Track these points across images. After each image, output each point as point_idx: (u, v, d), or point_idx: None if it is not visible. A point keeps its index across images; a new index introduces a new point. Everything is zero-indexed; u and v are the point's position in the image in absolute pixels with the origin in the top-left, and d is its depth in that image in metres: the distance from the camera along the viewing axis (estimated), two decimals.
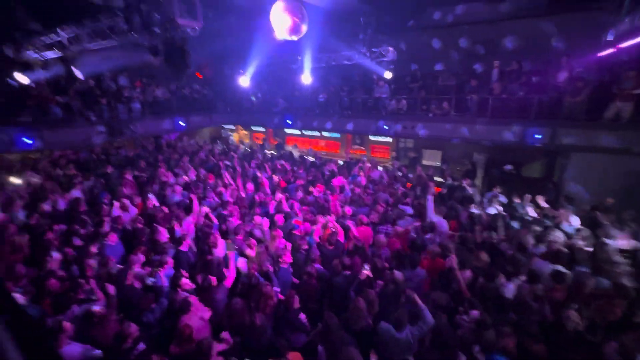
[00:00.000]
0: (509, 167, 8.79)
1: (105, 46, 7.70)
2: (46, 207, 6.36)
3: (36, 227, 5.55)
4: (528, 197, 6.05)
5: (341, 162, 10.27)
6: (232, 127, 17.29)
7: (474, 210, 5.51)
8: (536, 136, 7.21)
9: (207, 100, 14.40)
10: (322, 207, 6.15)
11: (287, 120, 13.07)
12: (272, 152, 13.87)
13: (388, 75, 10.96)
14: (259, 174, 8.10)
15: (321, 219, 5.13)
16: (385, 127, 10.64)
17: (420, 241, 4.62)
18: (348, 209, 5.89)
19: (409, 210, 5.66)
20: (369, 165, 9.02)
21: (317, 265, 4.14)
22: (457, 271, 3.58)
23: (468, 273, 3.64)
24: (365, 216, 5.45)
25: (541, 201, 5.82)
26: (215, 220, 5.54)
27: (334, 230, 4.99)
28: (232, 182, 7.59)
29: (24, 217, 6.07)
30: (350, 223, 5.23)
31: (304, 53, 11.58)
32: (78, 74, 8.28)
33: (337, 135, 13.91)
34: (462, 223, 5.06)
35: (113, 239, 4.91)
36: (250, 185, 7.23)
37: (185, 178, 8.21)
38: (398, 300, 3.35)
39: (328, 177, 8.28)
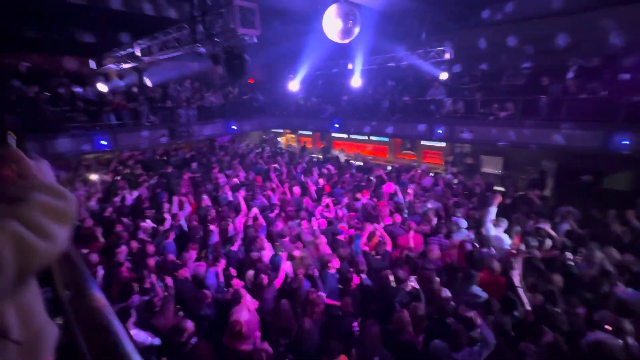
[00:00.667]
0: (587, 177, 7.91)
1: (172, 56, 8.50)
2: (117, 201, 7.16)
3: (108, 219, 6.29)
4: (612, 212, 5.42)
5: (389, 168, 10.11)
6: (280, 130, 17.90)
7: (544, 225, 5.02)
8: (623, 142, 6.56)
9: (257, 105, 15.15)
10: (369, 214, 6.06)
11: (335, 124, 13.27)
12: (318, 155, 14.08)
13: (444, 76, 10.48)
14: (304, 179, 8.29)
15: (368, 227, 5.03)
16: (439, 130, 10.29)
17: (478, 255, 4.28)
18: (398, 217, 5.69)
19: (463, 223, 5.32)
20: (420, 171, 8.77)
21: (363, 276, 4.04)
22: (521, 290, 3.27)
23: (539, 297, 3.28)
24: (416, 223, 5.29)
25: (631, 217, 5.16)
26: (263, 222, 5.76)
27: (381, 239, 4.88)
28: (280, 185, 7.82)
29: (98, 209, 6.92)
30: (399, 231, 5.11)
31: (354, 55, 11.59)
32: (148, 82, 9.21)
33: (385, 139, 13.75)
34: (529, 240, 4.64)
35: (171, 236, 5.24)
36: (297, 189, 7.32)
37: (236, 180, 8.54)
38: (444, 318, 3.17)
39: (376, 183, 8.20)
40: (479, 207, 6.11)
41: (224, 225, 5.59)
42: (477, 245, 4.60)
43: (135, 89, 11.57)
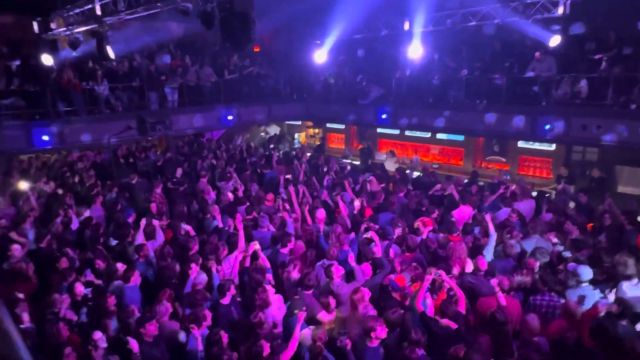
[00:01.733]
0: None
1: (145, 14, 8.90)
2: (58, 223, 7.47)
3: (46, 251, 6.55)
4: None
5: (466, 181, 10.12)
6: (297, 123, 18.22)
7: None
8: None
9: (266, 85, 15.57)
10: (434, 255, 6.01)
11: (382, 114, 13.30)
12: (354, 162, 14.15)
13: (554, 41, 10.25)
14: (333, 197, 8.24)
15: (431, 275, 4.92)
16: (547, 126, 10.16)
17: (614, 330, 4.03)
18: (481, 261, 5.55)
19: (586, 273, 5.09)
20: (515, 188, 8.64)
21: (421, 352, 4.00)
22: None
23: None
24: (508, 277, 5.07)
25: None
26: (267, 262, 5.79)
27: (452, 294, 4.89)
28: (297, 207, 7.85)
29: (33, 237, 7.24)
30: (482, 286, 4.97)
31: (413, 10, 11.59)
32: (110, 52, 9.70)
33: (459, 137, 13.84)
34: None
35: (134, 279, 5.38)
36: (321, 212, 7.36)
37: (230, 195, 8.77)
38: None
39: (446, 206, 8.09)
40: (611, 248, 5.95)
41: (209, 265, 5.68)
42: (613, 313, 4.40)
43: (91, 63, 12.23)
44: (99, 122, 11.53)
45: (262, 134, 18.13)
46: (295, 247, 6.29)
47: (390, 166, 12.51)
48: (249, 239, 6.31)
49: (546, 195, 9.39)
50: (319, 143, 16.19)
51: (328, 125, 17.49)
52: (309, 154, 14.02)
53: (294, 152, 14.44)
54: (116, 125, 11.12)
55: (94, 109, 11.79)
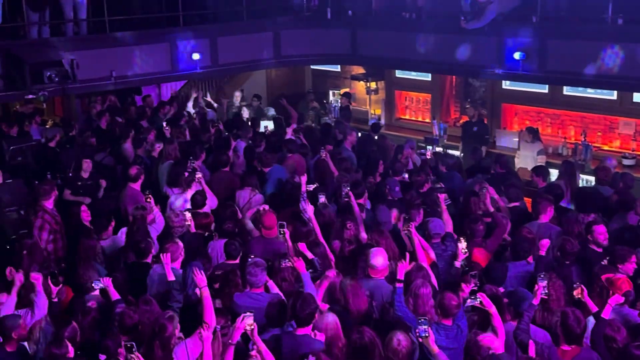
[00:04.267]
0: None
1: None
2: None
3: None
4: None
5: None
6: (334, 68, 18.75)
7: None
8: None
9: None
10: None
11: (514, 53, 13.42)
12: (446, 151, 14.10)
13: None
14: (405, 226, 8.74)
15: None
16: None
17: None
18: None
19: None
20: None
21: None
22: None
23: None
24: None
25: None
26: None
27: None
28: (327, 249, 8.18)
29: None
30: None
31: None
32: None
33: None
34: None
35: None
36: (381, 253, 7.95)
37: (189, 218, 9.53)
38: None
39: None
40: None
41: None
42: None
43: None
44: None
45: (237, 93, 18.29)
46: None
47: (528, 160, 13.00)
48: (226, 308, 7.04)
49: None
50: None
51: (398, 74, 17.77)
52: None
53: (328, 127, 15.27)
54: None
55: None
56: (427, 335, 6.15)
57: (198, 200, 9.84)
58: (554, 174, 12.51)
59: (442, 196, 10.22)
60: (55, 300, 7.71)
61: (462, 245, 8.28)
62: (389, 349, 6.17)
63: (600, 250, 8.67)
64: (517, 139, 14.42)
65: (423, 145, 14.50)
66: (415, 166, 12.59)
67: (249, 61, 15.95)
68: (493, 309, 6.75)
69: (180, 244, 8.50)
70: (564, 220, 9.64)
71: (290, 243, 8.92)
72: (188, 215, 9.47)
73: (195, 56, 14.33)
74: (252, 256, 8.18)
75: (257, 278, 7.67)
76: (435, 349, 6.22)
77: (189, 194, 10.36)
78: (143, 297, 7.37)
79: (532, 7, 13.46)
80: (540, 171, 11.44)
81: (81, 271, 7.88)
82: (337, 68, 18.77)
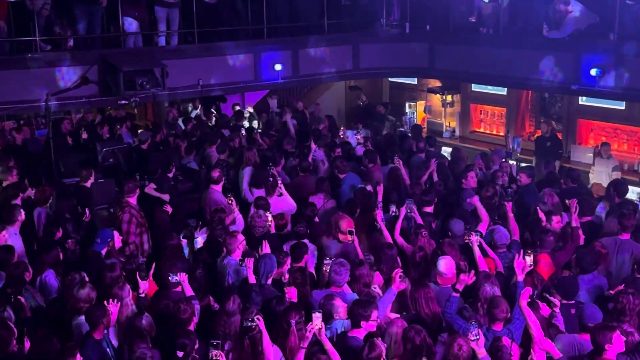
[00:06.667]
0: None
1: None
2: None
3: None
4: None
5: None
6: (410, 80, 18.65)
7: None
8: None
9: (351, 5, 15.96)
10: None
11: (591, 69, 13.08)
12: (521, 164, 13.84)
13: None
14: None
15: None
16: None
17: None
18: None
19: None
20: None
21: None
22: None
23: None
24: None
25: None
26: None
27: None
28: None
29: None
30: None
31: None
32: None
33: None
34: None
35: None
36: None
37: (270, 220, 9.51)
38: None
39: None
40: None
41: None
42: None
43: None
44: (27, 66, 11.90)
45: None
46: None
47: (603, 176, 12.71)
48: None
49: None
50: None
51: (474, 87, 17.80)
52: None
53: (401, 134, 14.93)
54: (61, 74, 11.52)
55: (20, 43, 12.26)
56: (477, 338, 6.28)
57: (262, 205, 9.94)
58: (633, 191, 12.26)
59: (509, 204, 10.27)
60: (143, 295, 7.88)
61: (529, 259, 8.18)
62: (450, 353, 6.27)
63: None
64: (591, 155, 14.13)
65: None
66: (511, 176, 12.69)
67: (328, 73, 15.93)
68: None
69: (240, 236, 8.76)
70: None
71: (359, 249, 9.07)
72: (269, 216, 9.56)
73: (278, 67, 14.42)
74: (329, 258, 8.36)
75: (341, 277, 7.88)
76: (482, 352, 6.34)
77: (274, 199, 10.47)
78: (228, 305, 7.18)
79: (610, 25, 13.21)
80: (618, 187, 11.24)
81: (166, 269, 7.99)
82: (414, 81, 18.66)
